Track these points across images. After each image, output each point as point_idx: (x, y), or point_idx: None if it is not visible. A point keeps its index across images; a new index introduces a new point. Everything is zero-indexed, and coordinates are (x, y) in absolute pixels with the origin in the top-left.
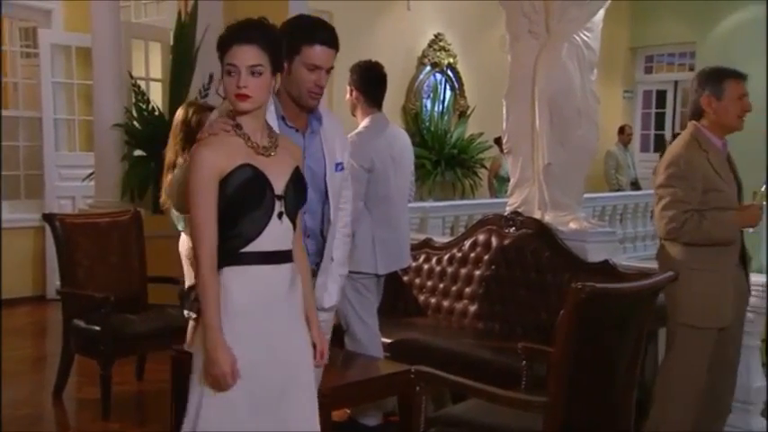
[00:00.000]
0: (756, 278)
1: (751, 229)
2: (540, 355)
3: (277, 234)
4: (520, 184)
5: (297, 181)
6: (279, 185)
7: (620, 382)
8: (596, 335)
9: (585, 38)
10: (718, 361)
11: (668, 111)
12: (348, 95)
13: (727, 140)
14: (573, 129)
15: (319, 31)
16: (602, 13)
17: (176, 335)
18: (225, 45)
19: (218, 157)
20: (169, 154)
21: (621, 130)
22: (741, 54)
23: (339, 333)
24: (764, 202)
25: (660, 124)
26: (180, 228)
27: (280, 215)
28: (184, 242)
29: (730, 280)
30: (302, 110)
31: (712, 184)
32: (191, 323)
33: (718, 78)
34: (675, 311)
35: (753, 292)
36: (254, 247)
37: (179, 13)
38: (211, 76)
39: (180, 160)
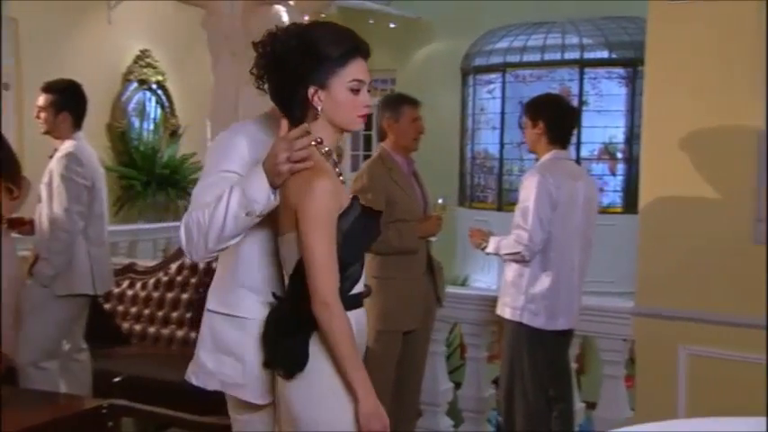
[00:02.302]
0: (450, 290)
1: (433, 238)
2: None
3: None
4: None
5: None
6: None
7: None
8: None
9: None
10: (407, 362)
11: (374, 132)
12: (50, 117)
13: (412, 159)
14: None
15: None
16: None
17: None
18: (346, 56)
19: (337, 187)
20: None
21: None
22: (434, 81)
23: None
24: (444, 213)
25: (368, 145)
26: None
27: None
28: None
29: (417, 287)
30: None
31: (395, 197)
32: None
33: (396, 103)
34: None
35: (445, 303)
36: (357, 288)
37: None
38: None
39: None
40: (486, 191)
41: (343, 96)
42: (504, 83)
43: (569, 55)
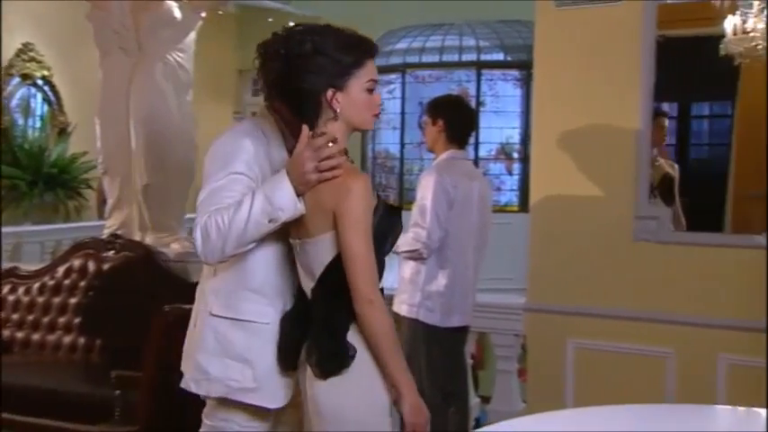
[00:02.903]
0: None
1: None
2: (137, 383)
3: None
4: (118, 206)
5: None
6: None
7: None
8: None
9: (179, 58)
10: None
11: None
12: None
13: None
14: (171, 149)
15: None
16: (193, 34)
17: None
18: (361, 57)
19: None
20: None
21: None
22: None
23: None
24: None
25: None
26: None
27: None
28: None
29: None
30: None
31: None
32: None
33: None
34: None
35: None
36: (379, 285)
37: None
38: None
39: None
40: (387, 190)
41: (361, 97)
42: (403, 83)
43: (467, 57)
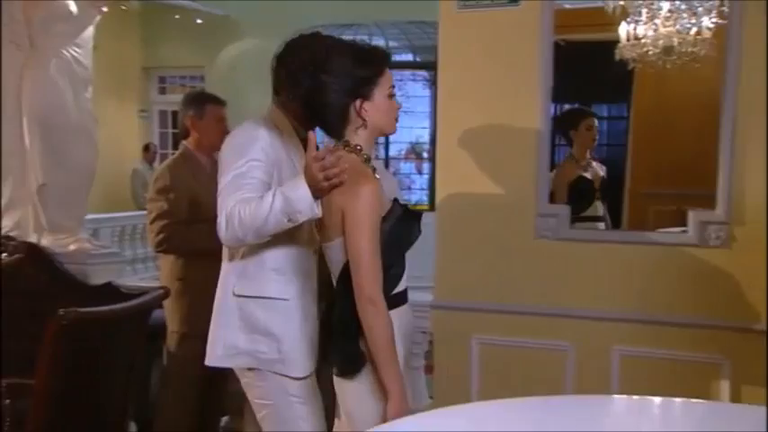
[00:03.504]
0: None
1: None
2: (29, 391)
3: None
4: (11, 206)
5: None
6: None
7: (115, 406)
8: (84, 361)
9: (76, 54)
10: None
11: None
12: None
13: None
14: (69, 148)
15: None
16: (91, 29)
17: None
18: (381, 67)
19: (380, 191)
20: None
21: (146, 148)
22: (245, 79)
23: None
24: None
25: (177, 144)
26: None
27: None
28: None
29: None
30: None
31: (200, 197)
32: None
33: (200, 101)
34: (171, 321)
35: None
36: (399, 287)
37: None
38: None
39: None
40: None
41: (385, 103)
42: None
43: None
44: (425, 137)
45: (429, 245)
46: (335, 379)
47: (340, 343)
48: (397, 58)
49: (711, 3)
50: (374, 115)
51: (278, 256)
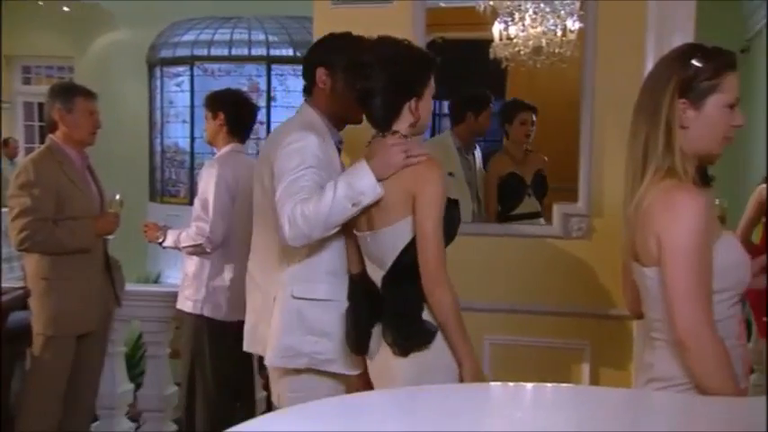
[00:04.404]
0: (130, 287)
1: (111, 236)
2: None
3: None
4: None
5: None
6: None
7: None
8: None
9: None
10: (82, 366)
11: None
12: None
13: (87, 153)
14: None
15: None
16: None
17: None
18: (431, 68)
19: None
20: None
21: (6, 143)
22: (118, 71)
23: None
24: (122, 210)
25: (44, 138)
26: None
27: None
28: None
29: (94, 287)
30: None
31: (67, 193)
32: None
33: (69, 94)
34: (35, 323)
35: (123, 302)
36: None
37: None
38: None
39: None
40: (177, 185)
41: (430, 104)
42: (192, 76)
43: (256, 51)
44: None
45: None
46: (390, 361)
47: (399, 323)
48: (277, 52)
49: (573, 5)
50: (423, 113)
51: (333, 259)
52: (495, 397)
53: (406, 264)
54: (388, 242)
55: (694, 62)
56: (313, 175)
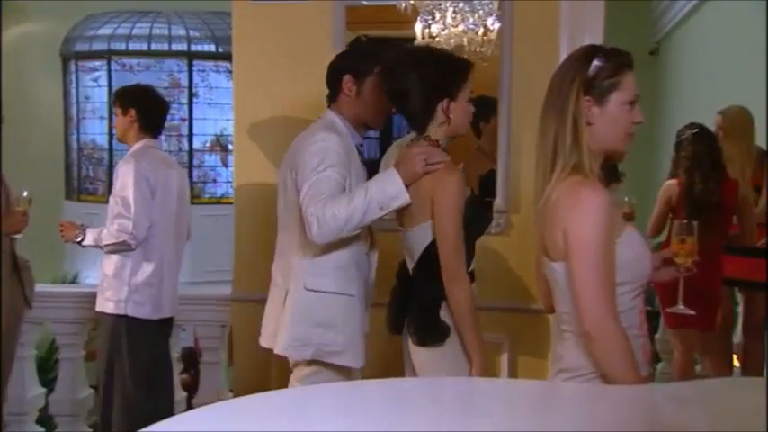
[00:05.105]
0: (41, 288)
1: (19, 235)
2: None
3: None
4: None
5: None
6: None
7: None
8: None
9: None
10: None
11: None
12: None
13: None
14: None
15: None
16: None
17: None
18: (467, 70)
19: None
20: None
21: None
22: (31, 65)
23: None
24: (30, 208)
25: None
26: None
27: None
28: None
29: (1, 289)
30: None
31: None
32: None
33: None
34: None
35: (34, 304)
36: (470, 267)
37: None
38: None
39: None
40: (95, 183)
41: (466, 106)
42: (109, 71)
43: (177, 46)
44: (230, 129)
45: (224, 238)
46: (412, 349)
47: (420, 315)
48: (198, 48)
49: (491, 5)
50: (457, 115)
51: (342, 255)
52: (409, 391)
53: (428, 262)
54: (416, 241)
55: (595, 62)
56: (336, 174)
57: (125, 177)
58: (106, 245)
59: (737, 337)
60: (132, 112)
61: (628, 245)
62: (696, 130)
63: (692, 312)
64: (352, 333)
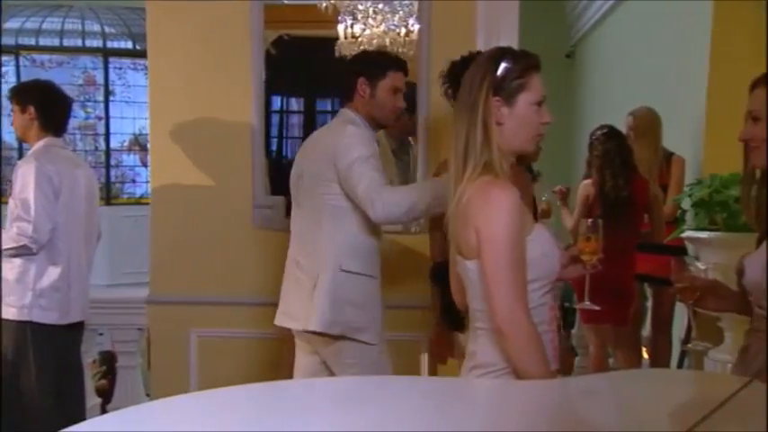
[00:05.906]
0: None
1: None
2: None
3: None
4: None
5: None
6: None
7: None
8: None
9: None
10: None
11: None
12: None
13: None
14: None
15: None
16: None
17: None
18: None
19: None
20: None
21: None
22: None
23: None
24: None
25: None
26: None
27: None
28: None
29: None
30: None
31: None
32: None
33: None
34: None
35: None
36: None
37: None
38: None
39: None
40: (4, 183)
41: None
42: (18, 67)
43: (91, 42)
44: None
45: (144, 239)
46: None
47: (449, 309)
48: (114, 44)
49: (411, 5)
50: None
51: (370, 241)
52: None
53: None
54: None
55: (504, 63)
56: (377, 162)
57: (26, 178)
58: (6, 249)
59: (646, 330)
60: (31, 109)
61: (537, 242)
62: (606, 130)
63: (598, 308)
64: (375, 312)
